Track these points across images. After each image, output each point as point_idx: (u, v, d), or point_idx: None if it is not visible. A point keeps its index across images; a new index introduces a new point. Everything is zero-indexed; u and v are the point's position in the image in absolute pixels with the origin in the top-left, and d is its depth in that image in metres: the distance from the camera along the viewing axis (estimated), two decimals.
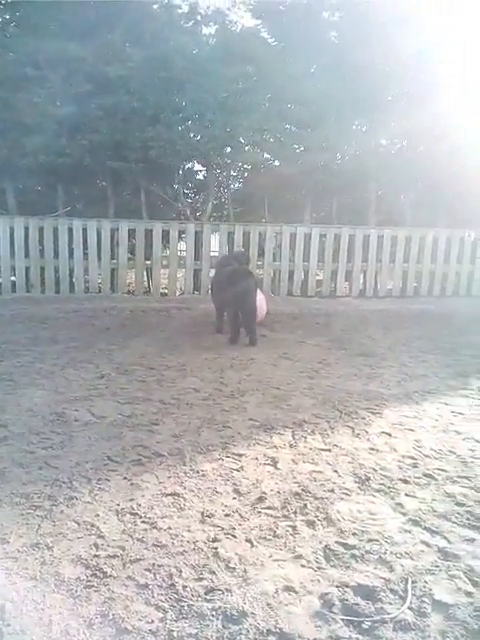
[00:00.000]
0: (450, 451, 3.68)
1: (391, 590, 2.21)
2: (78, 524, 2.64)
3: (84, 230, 10.07)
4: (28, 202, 10.94)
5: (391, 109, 10.63)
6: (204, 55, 10.70)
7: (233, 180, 13.30)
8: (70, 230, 10.03)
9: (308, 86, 10.39)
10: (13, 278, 10.11)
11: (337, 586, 2.22)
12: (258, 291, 7.09)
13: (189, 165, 11.99)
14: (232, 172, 12.86)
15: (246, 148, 11.62)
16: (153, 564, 2.34)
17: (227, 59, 10.31)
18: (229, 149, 11.24)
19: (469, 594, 2.20)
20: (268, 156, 12.02)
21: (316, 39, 10.73)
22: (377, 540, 2.56)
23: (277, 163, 11.98)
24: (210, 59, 10.40)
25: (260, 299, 7.22)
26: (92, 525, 2.63)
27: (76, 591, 2.15)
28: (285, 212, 12.38)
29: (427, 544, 2.55)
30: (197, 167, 12.33)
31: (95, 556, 2.38)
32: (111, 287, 10.54)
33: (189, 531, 2.61)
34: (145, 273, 11.29)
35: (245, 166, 12.74)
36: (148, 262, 10.67)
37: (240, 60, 10.38)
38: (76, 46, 9.72)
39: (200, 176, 12.65)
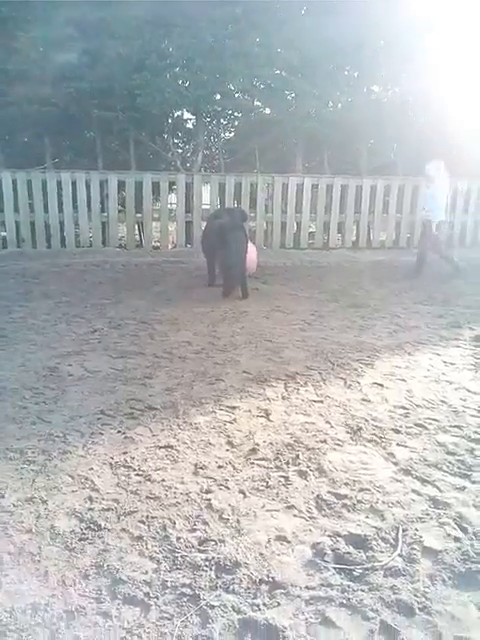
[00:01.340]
0: (441, 401, 3.71)
1: (382, 538, 2.25)
2: (72, 478, 2.66)
3: (73, 183, 9.87)
4: (15, 154, 10.64)
5: (384, 54, 10.31)
6: None
7: (223, 129, 12.99)
8: (59, 183, 9.82)
9: (298, 29, 10.01)
10: (3, 233, 9.96)
11: (329, 535, 2.26)
12: (249, 243, 7.03)
13: (178, 113, 11.65)
14: (222, 121, 12.54)
15: (236, 95, 11.29)
16: (147, 516, 2.37)
17: (214, 1, 9.92)
18: (218, 96, 10.91)
19: (457, 540, 2.25)
20: (258, 103, 11.71)
21: None
22: (369, 490, 2.60)
23: (268, 111, 11.68)
24: (197, 2, 10.00)
25: (251, 251, 7.16)
26: (86, 479, 2.65)
27: (71, 543, 2.18)
28: (277, 162, 12.15)
29: (418, 493, 2.59)
30: (186, 115, 11.99)
31: (89, 509, 2.41)
32: (102, 241, 10.39)
33: (182, 483, 2.64)
34: (136, 227, 11.14)
35: (235, 114, 12.41)
36: (139, 215, 10.51)
37: (228, 2, 9.99)
38: None
39: (190, 125, 12.34)
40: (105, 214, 10.23)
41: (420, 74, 10.00)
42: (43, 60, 9.63)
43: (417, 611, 1.87)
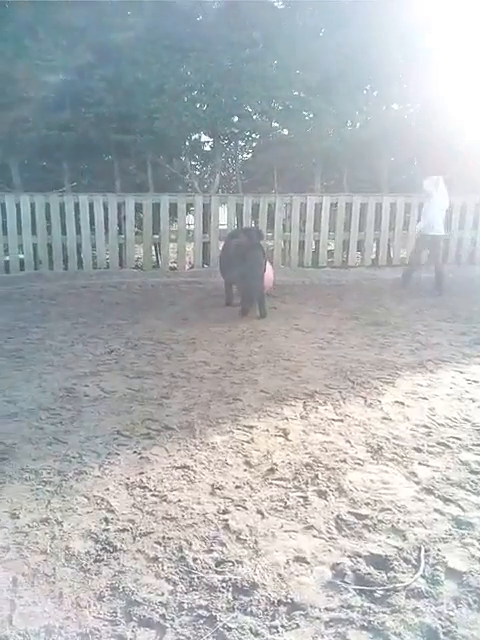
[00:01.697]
0: (465, 419, 3.63)
1: (404, 559, 2.18)
2: (88, 498, 2.63)
3: (91, 205, 9.99)
4: (33, 178, 10.82)
5: (404, 72, 10.34)
6: (209, 21, 10.41)
7: (241, 151, 13.08)
8: (76, 206, 9.95)
9: (316, 50, 10.09)
10: (21, 256, 10.07)
11: (349, 556, 2.20)
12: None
13: (196, 136, 11.75)
14: (240, 142, 12.63)
15: (254, 117, 11.38)
16: (163, 537, 2.33)
17: (233, 25, 10.04)
18: (236, 118, 11.00)
19: None
20: (276, 124, 11.77)
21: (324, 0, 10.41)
22: (390, 509, 2.54)
23: (286, 131, 11.74)
24: (215, 25, 10.14)
25: (267, 269, 7.16)
26: (102, 499, 2.62)
27: (86, 565, 2.15)
28: (295, 182, 12.18)
29: (440, 512, 2.52)
30: (204, 138, 12.10)
31: (105, 530, 2.38)
32: (119, 262, 10.47)
33: (199, 503, 2.59)
34: (153, 248, 11.20)
35: (253, 136, 12.49)
36: (156, 236, 10.58)
37: (246, 26, 10.11)
38: (76, 15, 9.51)
39: (207, 147, 12.44)
40: (122, 236, 10.32)
41: (441, 91, 10.00)
42: (62, 85, 9.80)
43: (441, 635, 1.80)
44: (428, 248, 8.65)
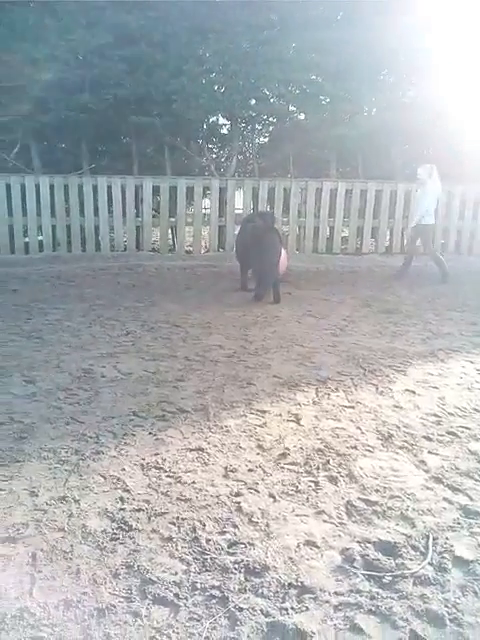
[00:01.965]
0: (474, 409, 3.66)
1: (412, 546, 2.22)
2: (104, 478, 2.70)
3: (109, 188, 10.03)
4: (53, 160, 10.89)
5: (421, 59, 10.21)
6: (227, 3, 10.34)
7: (258, 134, 13.04)
8: (95, 188, 9.99)
9: (333, 34, 10.01)
10: (40, 237, 10.15)
11: (359, 541, 2.25)
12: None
13: (213, 119, 11.74)
14: (257, 126, 12.59)
15: (271, 100, 11.33)
16: (177, 517, 2.39)
17: (250, 7, 9.97)
18: (254, 101, 10.97)
19: None
20: (293, 108, 11.72)
21: None
22: (399, 497, 2.58)
23: (302, 116, 11.69)
24: (233, 7, 10.06)
25: (282, 254, 7.20)
26: (118, 479, 2.68)
27: (102, 543, 2.21)
28: (310, 167, 12.15)
29: (449, 501, 2.56)
30: (221, 121, 12.09)
31: (121, 509, 2.44)
32: (136, 245, 10.54)
33: (213, 485, 2.65)
34: (170, 231, 11.24)
35: (270, 119, 12.45)
36: (173, 219, 10.62)
37: (264, 8, 10.03)
38: None
39: (224, 130, 12.41)
40: (139, 219, 10.37)
41: (458, 78, 9.87)
42: (82, 67, 9.80)
43: (448, 622, 1.84)
44: (421, 237, 8.58)
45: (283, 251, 7.39)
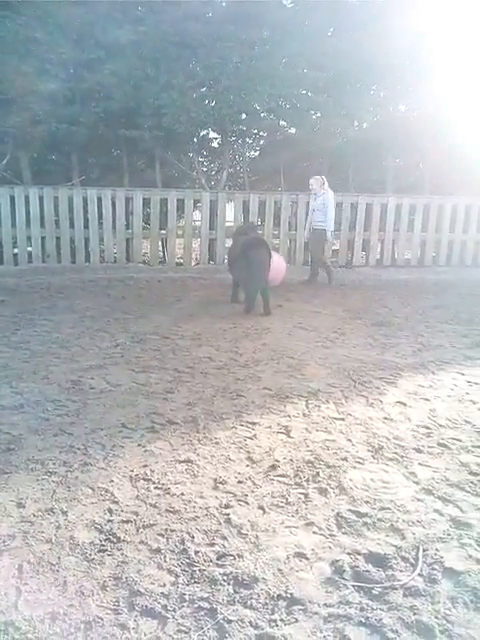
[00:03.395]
0: (465, 421, 3.66)
1: (402, 557, 2.21)
2: (92, 490, 2.67)
3: (99, 199, 10.05)
4: (43, 172, 10.90)
5: (412, 73, 10.33)
6: (218, 18, 10.44)
7: (248, 148, 13.13)
8: (85, 200, 10.01)
9: (324, 50, 10.13)
10: (29, 248, 10.14)
11: (348, 553, 2.24)
12: (275, 253, 7.12)
13: (204, 133, 11.81)
14: (248, 140, 12.68)
15: (261, 115, 11.40)
16: (166, 529, 2.36)
17: (241, 22, 10.06)
18: (244, 116, 11.04)
19: None
20: (284, 123, 11.81)
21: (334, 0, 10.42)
22: (389, 508, 2.57)
23: (293, 130, 11.78)
24: (224, 22, 10.15)
25: (279, 261, 7.30)
26: (106, 491, 2.66)
27: (90, 555, 2.19)
28: (301, 180, 12.16)
29: (439, 513, 2.55)
30: (212, 135, 12.16)
31: (109, 521, 2.42)
32: (126, 257, 10.54)
33: (202, 497, 2.63)
34: (160, 243, 11.25)
35: (261, 133, 12.54)
36: (163, 232, 10.64)
37: (255, 23, 10.13)
38: (86, 10, 9.54)
39: (215, 144, 12.48)
40: (130, 231, 10.38)
41: (448, 92, 10.00)
42: (72, 80, 9.84)
43: (438, 634, 1.83)
44: (319, 241, 9.01)
45: (279, 257, 7.46)
